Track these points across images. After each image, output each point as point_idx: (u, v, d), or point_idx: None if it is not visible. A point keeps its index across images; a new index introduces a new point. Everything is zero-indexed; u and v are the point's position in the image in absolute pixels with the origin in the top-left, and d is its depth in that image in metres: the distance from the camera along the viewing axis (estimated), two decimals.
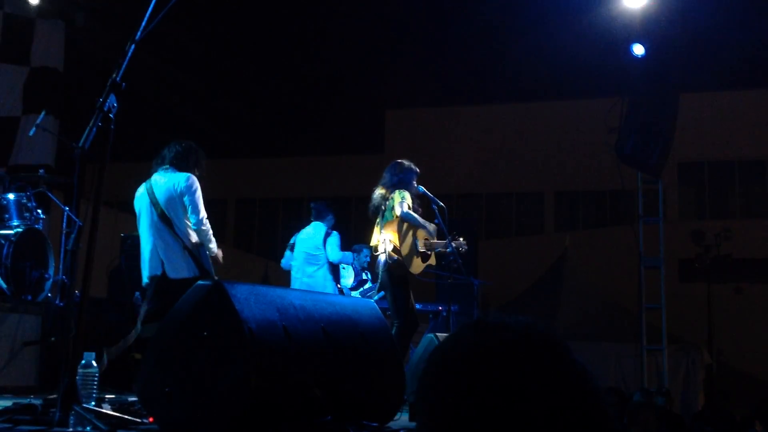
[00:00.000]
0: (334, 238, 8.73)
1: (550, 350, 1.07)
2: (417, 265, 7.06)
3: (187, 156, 6.04)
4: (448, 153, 25.12)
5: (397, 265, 6.86)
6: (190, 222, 5.86)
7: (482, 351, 1.05)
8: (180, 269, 5.75)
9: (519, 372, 1.03)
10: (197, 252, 5.83)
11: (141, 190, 6.00)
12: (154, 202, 5.84)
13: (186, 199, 5.82)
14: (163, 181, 5.88)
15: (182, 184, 5.84)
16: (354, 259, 9.43)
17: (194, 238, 5.86)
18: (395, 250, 6.85)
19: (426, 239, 7.20)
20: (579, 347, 1.14)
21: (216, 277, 5.42)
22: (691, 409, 12.40)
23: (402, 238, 6.89)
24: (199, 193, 5.93)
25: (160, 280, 5.77)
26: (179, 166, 5.94)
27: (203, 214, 5.91)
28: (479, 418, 1.00)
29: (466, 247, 7.53)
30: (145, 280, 5.93)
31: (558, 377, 1.04)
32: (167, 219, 5.79)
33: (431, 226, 7.18)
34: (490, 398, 1.01)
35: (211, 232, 5.97)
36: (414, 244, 7.02)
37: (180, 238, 5.79)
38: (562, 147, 24.58)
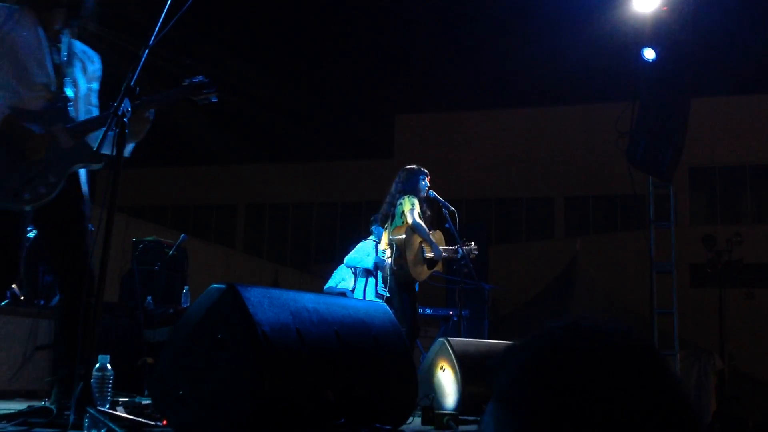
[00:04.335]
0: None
1: (650, 360, 1.07)
2: (422, 272, 7.07)
3: None
4: (458, 158, 25.13)
5: (402, 271, 6.90)
6: None
7: (581, 356, 1.05)
8: None
9: (619, 380, 1.02)
10: None
11: None
12: None
13: None
14: None
15: None
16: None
17: None
18: (400, 256, 6.89)
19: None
20: None
21: None
22: (702, 415, 12.35)
23: (408, 244, 6.91)
24: None
25: None
26: None
27: None
28: (574, 424, 1.00)
29: (476, 252, 7.56)
30: None
31: (658, 388, 1.04)
32: None
33: (435, 241, 7.15)
34: (588, 405, 1.00)
35: None
36: (420, 251, 7.03)
37: None
38: (572, 152, 24.56)
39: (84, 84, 4.28)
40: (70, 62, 4.23)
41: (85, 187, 4.31)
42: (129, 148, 4.13)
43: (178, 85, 4.19)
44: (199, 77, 4.12)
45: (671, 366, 1.10)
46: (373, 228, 8.71)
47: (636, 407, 1.00)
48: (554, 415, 1.01)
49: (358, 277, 8.67)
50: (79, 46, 4.38)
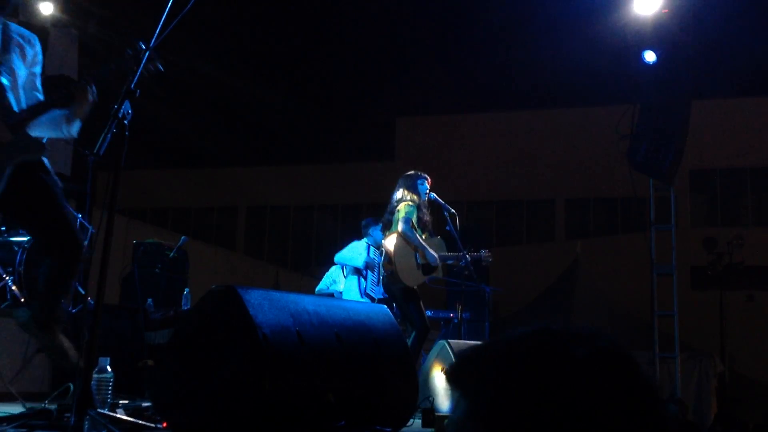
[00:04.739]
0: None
1: (621, 363, 1.07)
2: (415, 278, 7.04)
3: None
4: (458, 160, 25.12)
5: (392, 277, 6.91)
6: None
7: (553, 362, 1.05)
8: None
9: (590, 384, 1.03)
10: None
11: None
12: None
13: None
14: None
15: None
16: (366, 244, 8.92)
17: None
18: (389, 261, 6.90)
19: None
20: None
21: None
22: (703, 417, 12.34)
23: (399, 250, 6.92)
24: None
25: None
26: None
27: None
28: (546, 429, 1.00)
29: (491, 259, 7.58)
30: None
31: (629, 391, 1.04)
32: None
33: (431, 249, 7.11)
34: (561, 410, 1.01)
35: None
36: (414, 256, 7.02)
37: None
38: (573, 154, 24.54)
39: (24, 70, 4.07)
40: (6, 49, 4.02)
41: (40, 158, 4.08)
42: (75, 127, 3.98)
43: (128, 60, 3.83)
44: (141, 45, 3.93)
45: (642, 368, 1.10)
46: (370, 230, 8.70)
47: (607, 410, 1.01)
48: (526, 420, 1.01)
49: (347, 276, 8.69)
50: (15, 29, 4.14)
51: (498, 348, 1.11)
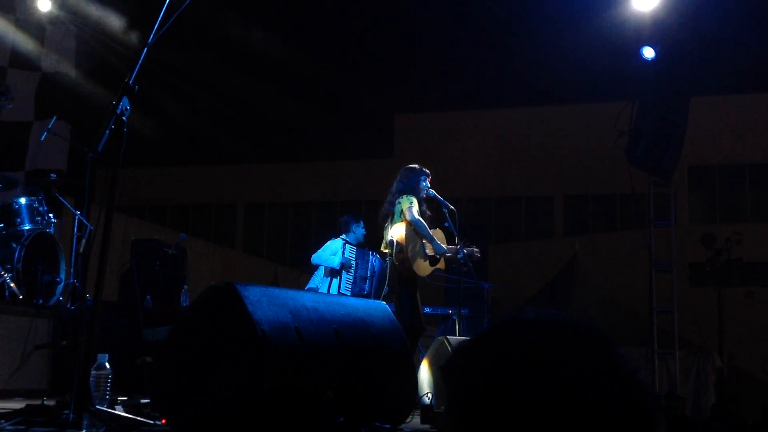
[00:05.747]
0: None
1: (598, 346, 1.07)
2: (424, 268, 7.06)
3: None
4: (457, 157, 25.10)
5: (403, 266, 6.89)
6: None
7: (516, 351, 1.06)
8: None
9: (570, 369, 1.03)
10: None
11: None
12: None
13: None
14: None
15: None
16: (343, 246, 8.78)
17: None
18: (401, 250, 6.88)
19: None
20: None
21: None
22: (702, 413, 12.35)
23: (408, 240, 6.91)
24: None
25: None
26: None
27: None
28: (530, 416, 1.01)
29: (479, 255, 7.59)
30: None
31: (607, 373, 1.05)
32: None
33: (437, 240, 7.14)
34: (544, 397, 1.01)
35: None
36: (422, 247, 7.04)
37: None
38: (572, 151, 24.53)
39: None
40: None
41: None
42: None
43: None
44: None
45: (618, 350, 1.11)
46: (352, 227, 8.72)
47: (587, 393, 1.01)
48: (494, 408, 1.01)
49: (322, 276, 8.70)
50: None
51: (473, 341, 1.13)
